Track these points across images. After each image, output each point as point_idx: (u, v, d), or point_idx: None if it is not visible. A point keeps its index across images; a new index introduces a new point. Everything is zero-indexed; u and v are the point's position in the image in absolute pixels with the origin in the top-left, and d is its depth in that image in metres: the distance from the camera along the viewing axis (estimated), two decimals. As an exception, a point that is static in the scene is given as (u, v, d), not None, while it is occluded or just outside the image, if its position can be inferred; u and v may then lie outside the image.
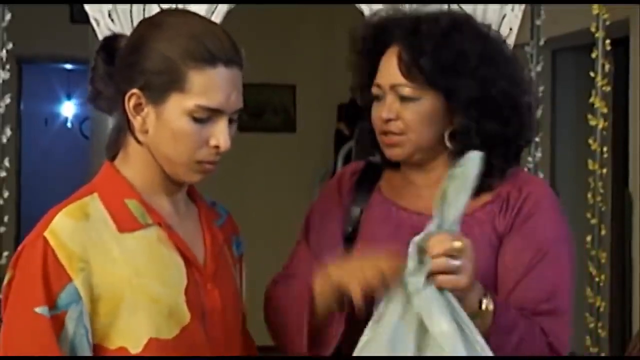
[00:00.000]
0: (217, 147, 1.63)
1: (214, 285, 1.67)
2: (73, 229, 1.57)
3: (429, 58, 1.81)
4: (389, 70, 1.86)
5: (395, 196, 1.95)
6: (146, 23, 1.70)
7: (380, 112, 1.87)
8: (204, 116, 1.60)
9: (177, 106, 1.60)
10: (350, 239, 1.93)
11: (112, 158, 1.69)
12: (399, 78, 1.84)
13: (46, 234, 1.55)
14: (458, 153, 1.82)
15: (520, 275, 1.80)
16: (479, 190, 1.86)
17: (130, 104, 1.61)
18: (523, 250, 1.81)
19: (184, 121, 1.60)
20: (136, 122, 1.62)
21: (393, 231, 1.90)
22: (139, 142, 1.64)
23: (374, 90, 1.89)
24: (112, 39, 1.69)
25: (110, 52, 1.67)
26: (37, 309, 1.52)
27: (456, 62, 1.82)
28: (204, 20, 1.70)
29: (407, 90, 1.83)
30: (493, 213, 1.86)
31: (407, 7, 1.97)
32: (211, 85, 1.60)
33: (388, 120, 1.85)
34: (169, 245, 1.64)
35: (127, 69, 1.62)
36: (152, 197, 1.66)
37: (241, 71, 1.65)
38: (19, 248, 1.60)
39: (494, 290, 1.81)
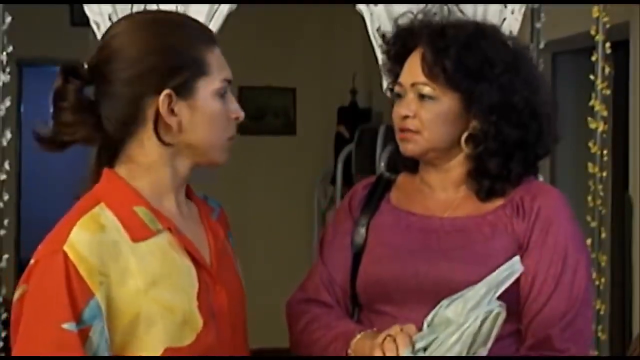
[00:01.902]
0: (236, 118, 1.69)
1: (222, 287, 1.67)
2: (91, 242, 1.54)
3: (452, 60, 1.85)
4: (411, 69, 1.91)
5: (404, 203, 1.99)
6: (128, 29, 1.66)
7: (399, 109, 1.92)
8: (224, 91, 1.66)
9: (207, 90, 1.63)
10: (358, 248, 1.96)
11: (111, 166, 1.66)
12: (420, 77, 1.88)
13: (66, 248, 1.52)
14: (475, 157, 1.88)
15: (552, 288, 1.84)
16: (491, 194, 1.90)
17: (164, 108, 1.60)
18: (552, 263, 1.85)
19: (216, 102, 1.65)
20: (173, 123, 1.61)
21: (401, 235, 1.92)
22: (166, 144, 1.62)
23: (396, 89, 1.94)
24: (75, 67, 1.64)
25: (79, 78, 1.63)
26: (65, 325, 1.49)
27: (481, 67, 1.86)
28: (172, 11, 1.80)
29: (426, 89, 1.88)
30: (506, 216, 1.88)
31: (435, 10, 2.02)
32: (221, 61, 1.67)
33: (406, 117, 1.90)
34: (180, 250, 1.63)
35: (140, 77, 1.60)
36: (158, 201, 1.65)
37: None
38: (32, 262, 1.56)
39: (509, 290, 1.83)
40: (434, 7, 2.03)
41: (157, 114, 1.61)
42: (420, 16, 2.00)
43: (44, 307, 1.52)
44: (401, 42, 1.98)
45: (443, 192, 1.95)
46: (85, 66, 1.65)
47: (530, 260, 1.85)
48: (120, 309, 1.55)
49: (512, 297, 1.85)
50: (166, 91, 1.60)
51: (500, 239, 1.87)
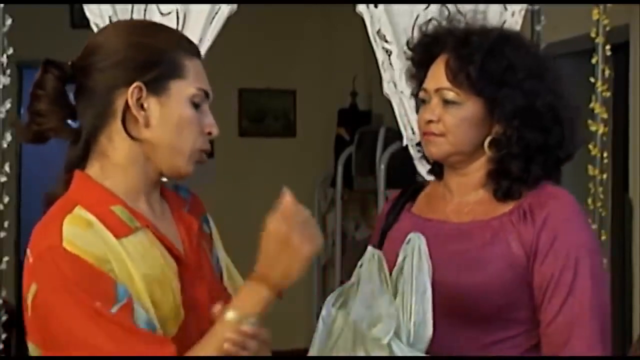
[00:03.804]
0: (209, 133, 1.68)
1: (201, 280, 1.68)
2: (86, 236, 1.54)
3: (477, 67, 1.88)
4: (436, 75, 1.94)
5: (425, 210, 2.03)
6: (111, 28, 1.75)
7: (424, 114, 1.95)
8: (200, 102, 1.66)
9: (180, 93, 1.64)
10: None
11: (82, 168, 1.66)
12: (444, 82, 1.91)
13: (65, 245, 1.52)
14: (497, 160, 1.91)
15: (565, 294, 1.84)
16: (508, 196, 1.92)
17: (133, 98, 1.62)
18: (564, 270, 1.84)
19: (188, 108, 1.65)
20: (139, 116, 1.62)
21: None
22: (134, 139, 1.63)
23: (421, 94, 1.98)
24: (53, 61, 1.67)
25: (61, 69, 1.65)
26: (98, 304, 1.49)
27: (504, 73, 1.89)
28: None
29: (451, 95, 1.91)
30: (511, 223, 1.89)
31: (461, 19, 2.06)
32: (200, 72, 1.68)
33: (430, 122, 1.93)
34: (159, 247, 1.64)
35: (113, 69, 1.63)
36: (132, 201, 1.65)
37: None
38: (30, 262, 1.54)
39: (505, 298, 1.86)
40: (456, 15, 2.09)
41: (126, 106, 1.63)
42: (444, 23, 2.03)
43: (67, 296, 1.50)
44: (425, 49, 2.01)
45: (460, 195, 1.98)
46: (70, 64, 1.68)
47: (543, 268, 1.86)
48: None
49: (501, 282, 1.87)
50: (136, 83, 1.62)
51: (499, 245, 1.87)
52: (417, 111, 2.04)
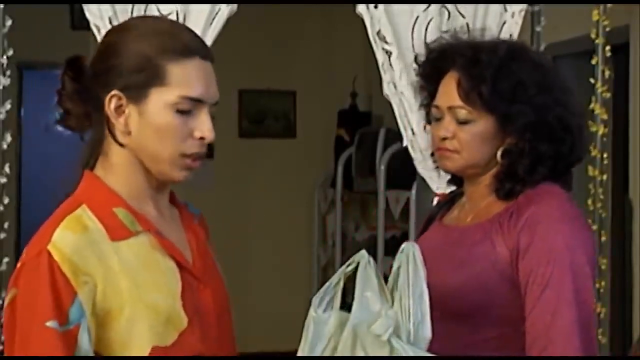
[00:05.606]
0: (202, 138, 1.65)
1: (205, 286, 1.69)
2: (75, 242, 1.56)
3: (488, 86, 1.93)
4: (448, 93, 1.99)
5: (452, 219, 2.09)
6: (116, 29, 1.74)
7: (438, 131, 2.01)
8: (187, 108, 1.63)
9: (159, 100, 1.62)
10: None
11: (91, 168, 1.69)
12: (457, 101, 1.97)
13: (49, 248, 1.54)
14: (506, 167, 1.97)
15: (541, 289, 1.86)
16: (508, 197, 1.97)
17: (111, 106, 1.63)
18: (540, 265, 1.87)
19: (168, 115, 1.63)
20: (118, 123, 1.63)
21: (428, 247, 1.96)
22: (120, 145, 1.65)
23: (433, 110, 2.03)
24: (77, 59, 1.68)
25: (77, 70, 1.67)
26: (48, 323, 1.51)
27: (514, 90, 1.94)
28: (173, 20, 1.75)
29: (464, 113, 1.96)
30: (499, 224, 1.93)
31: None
32: (190, 76, 1.63)
33: (444, 139, 1.99)
34: (162, 251, 1.65)
35: (104, 74, 1.64)
36: (138, 204, 1.66)
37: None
38: (18, 265, 1.58)
39: (488, 296, 1.89)
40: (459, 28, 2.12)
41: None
42: (451, 39, 2.07)
43: (30, 307, 1.54)
44: (433, 65, 2.06)
45: (475, 202, 2.03)
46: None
47: (524, 264, 1.88)
48: (105, 309, 1.56)
49: (491, 302, 1.90)
50: (114, 92, 1.62)
51: (485, 244, 1.92)
52: (429, 122, 2.09)
